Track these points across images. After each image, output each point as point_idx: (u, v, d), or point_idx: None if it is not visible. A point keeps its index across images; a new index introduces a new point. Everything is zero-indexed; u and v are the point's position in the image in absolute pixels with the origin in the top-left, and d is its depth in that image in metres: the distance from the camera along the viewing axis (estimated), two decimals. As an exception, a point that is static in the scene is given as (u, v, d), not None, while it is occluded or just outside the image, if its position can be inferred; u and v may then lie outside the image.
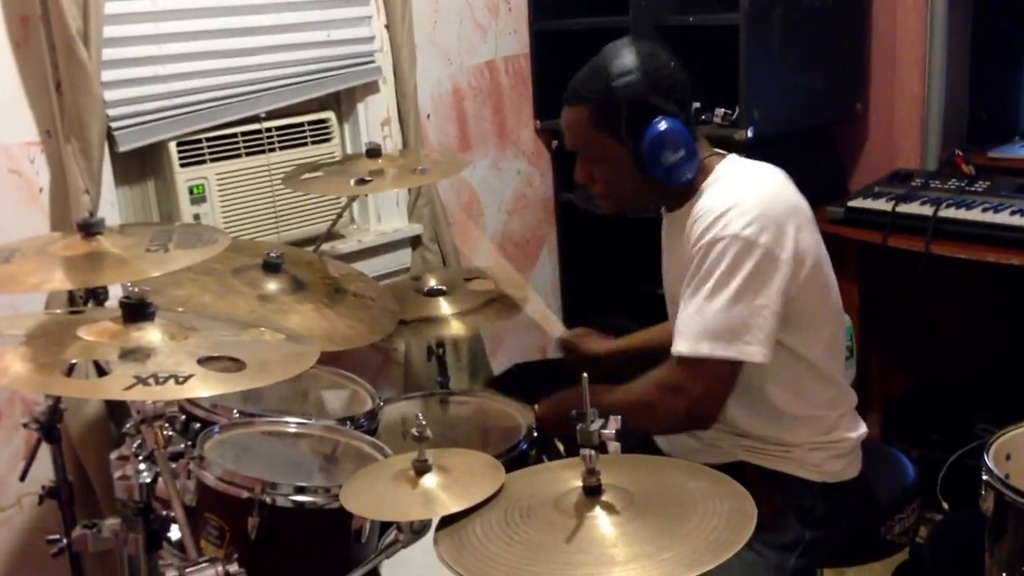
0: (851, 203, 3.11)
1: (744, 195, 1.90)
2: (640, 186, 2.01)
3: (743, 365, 1.89)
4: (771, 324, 1.86)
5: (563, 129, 2.06)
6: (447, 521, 1.57)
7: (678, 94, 1.96)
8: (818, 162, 3.47)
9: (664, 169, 1.94)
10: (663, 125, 1.92)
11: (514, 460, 2.24)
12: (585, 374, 1.53)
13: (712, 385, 1.90)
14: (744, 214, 1.86)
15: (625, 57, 1.95)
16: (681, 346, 1.88)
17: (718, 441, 2.07)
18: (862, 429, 2.09)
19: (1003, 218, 2.78)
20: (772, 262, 1.85)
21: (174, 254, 1.93)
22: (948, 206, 2.89)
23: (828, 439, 2.02)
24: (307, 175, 2.67)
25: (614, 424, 1.54)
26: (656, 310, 2.34)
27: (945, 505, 3.01)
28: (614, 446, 1.55)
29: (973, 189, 2.99)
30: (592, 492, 1.53)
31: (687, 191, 2.00)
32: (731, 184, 1.96)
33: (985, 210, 2.84)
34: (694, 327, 1.87)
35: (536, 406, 2.26)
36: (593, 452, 1.53)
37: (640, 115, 1.93)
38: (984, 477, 1.84)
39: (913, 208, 2.97)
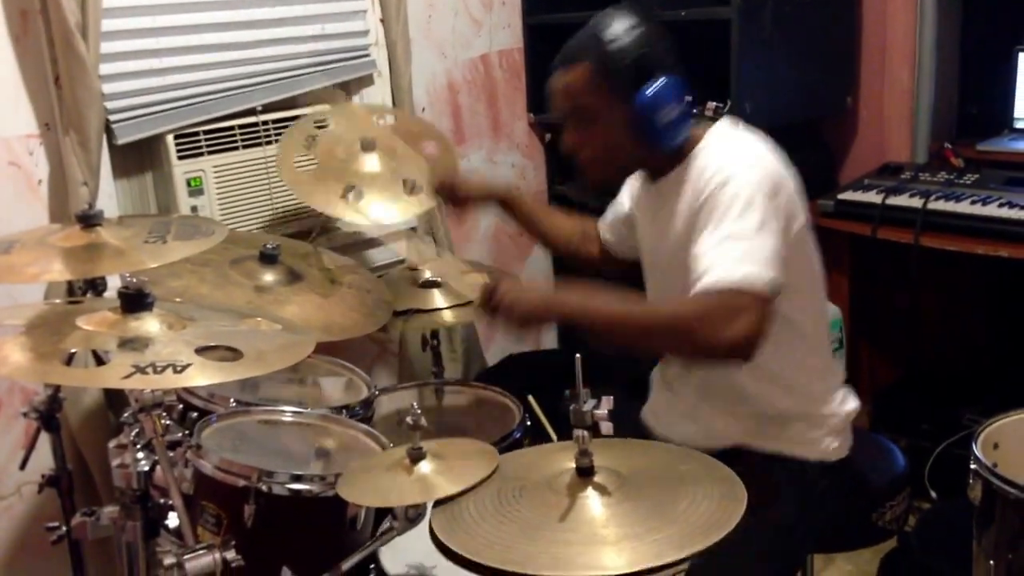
0: (841, 196, 3.13)
1: (750, 150, 1.93)
2: (631, 149, 2.00)
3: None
4: (782, 265, 1.82)
5: (553, 95, 2.04)
6: (442, 501, 1.60)
7: (673, 55, 1.97)
8: (808, 155, 3.47)
9: (660, 128, 1.93)
10: (666, 79, 1.92)
11: (508, 449, 2.26)
12: (579, 355, 1.54)
13: (757, 316, 1.76)
14: (754, 166, 1.88)
15: (624, 17, 1.95)
16: (721, 274, 1.77)
17: (714, 422, 2.07)
18: (853, 404, 2.10)
19: (991, 210, 2.80)
20: (778, 210, 1.85)
21: (172, 245, 1.94)
22: (937, 199, 2.91)
23: (820, 412, 2.03)
24: (300, 159, 2.70)
25: (607, 404, 1.55)
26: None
27: (933, 494, 3.03)
28: (607, 426, 1.56)
29: (962, 182, 3.01)
30: (585, 473, 1.55)
31: (675, 157, 2.00)
32: (734, 140, 1.98)
33: (974, 203, 2.86)
34: (730, 259, 1.78)
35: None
36: (586, 433, 1.54)
37: (642, 70, 1.93)
38: (972, 466, 1.86)
39: (902, 201, 2.99)
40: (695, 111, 1.99)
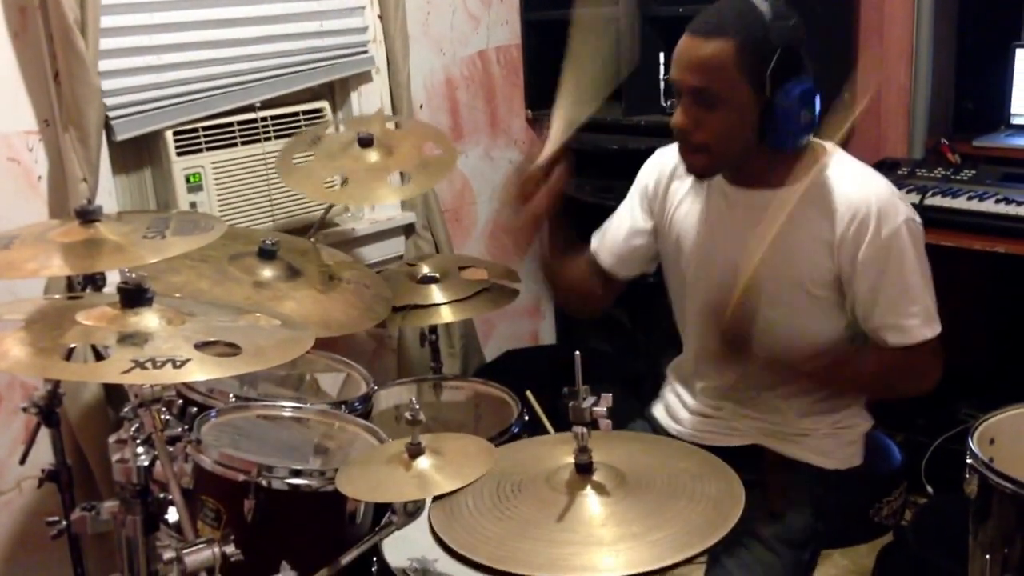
0: (839, 192, 3.13)
1: (885, 181, 1.94)
2: (750, 144, 1.88)
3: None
4: None
5: (680, 63, 1.86)
6: (443, 496, 1.61)
7: (810, 61, 1.88)
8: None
9: (787, 130, 1.85)
10: (805, 81, 1.84)
11: (506, 444, 2.27)
12: (577, 352, 1.54)
13: (940, 361, 1.96)
14: (902, 198, 1.92)
15: (778, 4, 1.83)
16: (927, 331, 1.92)
17: (736, 422, 2.08)
18: (870, 420, 2.11)
19: (988, 206, 2.81)
20: None
21: (171, 241, 1.94)
22: (934, 194, 2.92)
23: (841, 425, 2.04)
24: (300, 155, 2.70)
25: (605, 401, 1.56)
26: (646, 294, 2.35)
27: (930, 489, 3.05)
28: (605, 423, 1.56)
29: (959, 178, 3.02)
30: (583, 470, 1.56)
31: (788, 168, 1.92)
32: (866, 170, 1.96)
33: (970, 198, 2.86)
34: (926, 315, 1.92)
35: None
36: (585, 430, 1.54)
37: (787, 65, 1.81)
38: (968, 461, 1.86)
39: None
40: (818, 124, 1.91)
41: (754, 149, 1.89)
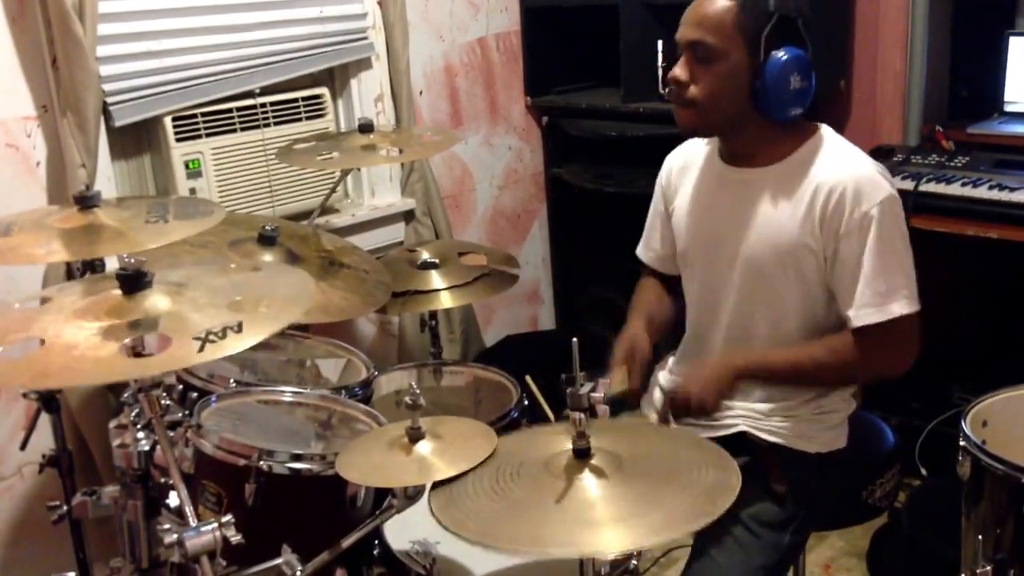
0: (834, 178, 3.14)
1: (881, 172, 1.94)
2: (739, 109, 1.92)
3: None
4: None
5: (685, 20, 1.95)
6: (443, 480, 1.62)
7: (806, 36, 1.94)
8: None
9: (777, 96, 1.88)
10: (800, 51, 1.89)
11: (506, 428, 2.28)
12: (575, 338, 1.55)
13: (916, 337, 1.97)
14: (885, 177, 1.92)
15: None
16: (901, 308, 1.91)
17: (723, 416, 2.06)
18: (853, 404, 2.12)
19: (982, 192, 2.84)
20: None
21: (173, 225, 1.95)
22: (928, 181, 2.94)
23: (822, 410, 2.05)
24: (301, 145, 2.70)
25: (603, 387, 1.56)
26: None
27: (923, 471, 3.07)
28: (603, 409, 1.57)
29: (953, 164, 3.04)
30: (581, 455, 1.57)
31: (779, 144, 1.97)
32: (851, 148, 1.97)
33: (964, 185, 2.89)
34: (904, 288, 1.91)
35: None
36: (582, 415, 1.55)
37: (783, 34, 1.88)
38: (961, 443, 1.88)
39: (894, 183, 3.00)
40: (811, 101, 1.95)
41: (745, 117, 1.94)
